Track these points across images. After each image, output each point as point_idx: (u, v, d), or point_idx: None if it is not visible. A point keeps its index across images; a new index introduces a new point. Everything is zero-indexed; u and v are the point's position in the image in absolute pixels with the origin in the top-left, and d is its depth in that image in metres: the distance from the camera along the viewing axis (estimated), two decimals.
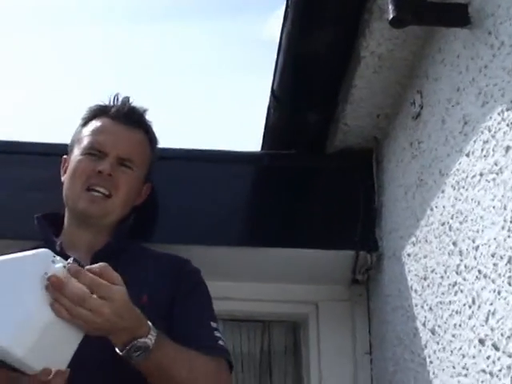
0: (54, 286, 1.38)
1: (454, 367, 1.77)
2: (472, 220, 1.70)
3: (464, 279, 1.73)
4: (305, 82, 2.30)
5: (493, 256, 1.58)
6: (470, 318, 1.68)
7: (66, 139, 2.06)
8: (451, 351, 1.79)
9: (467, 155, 1.74)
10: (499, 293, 1.54)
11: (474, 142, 1.70)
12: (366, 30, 2.04)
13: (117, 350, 1.52)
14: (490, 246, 1.60)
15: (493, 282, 1.57)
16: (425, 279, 2.00)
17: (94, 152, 1.90)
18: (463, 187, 1.76)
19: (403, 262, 2.17)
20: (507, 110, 1.55)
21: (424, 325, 1.99)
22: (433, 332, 1.92)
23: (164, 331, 1.59)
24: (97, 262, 1.50)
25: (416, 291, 2.06)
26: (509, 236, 1.51)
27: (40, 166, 2.32)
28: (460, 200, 1.78)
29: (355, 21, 2.07)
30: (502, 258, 1.54)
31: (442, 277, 1.87)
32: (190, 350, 1.64)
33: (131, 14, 5.29)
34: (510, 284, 1.50)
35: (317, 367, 2.49)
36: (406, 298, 2.14)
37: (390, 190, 2.33)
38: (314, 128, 2.43)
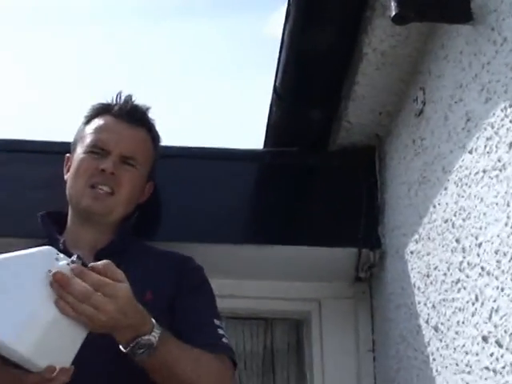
0: (58, 283, 1.38)
1: (457, 364, 1.76)
2: (475, 217, 1.69)
3: (467, 276, 1.72)
4: (307, 79, 2.30)
5: (496, 253, 1.57)
6: (473, 315, 1.68)
7: (68, 137, 2.07)
8: (454, 348, 1.79)
9: (470, 152, 1.74)
10: (502, 290, 1.54)
11: (477, 138, 1.70)
12: (369, 27, 2.03)
13: (121, 347, 1.52)
14: (493, 243, 1.59)
15: (496, 278, 1.57)
16: (428, 276, 1.99)
17: (96, 150, 1.90)
18: (466, 184, 1.76)
19: (406, 259, 2.16)
20: (510, 106, 1.55)
21: (427, 322, 1.98)
22: (436, 329, 1.92)
23: (167, 329, 1.59)
24: (100, 260, 1.49)
25: (419, 288, 2.06)
26: None
27: (43, 164, 2.32)
28: (463, 197, 1.77)
29: (357, 18, 2.06)
30: (505, 254, 1.53)
31: (445, 274, 1.87)
32: (193, 348, 1.63)
33: (135, 13, 5.29)
34: None
35: (320, 365, 2.48)
36: (408, 295, 2.13)
37: (393, 188, 2.33)
38: (316, 125, 2.42)
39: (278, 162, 2.50)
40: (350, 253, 2.39)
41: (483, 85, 1.68)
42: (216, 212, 2.36)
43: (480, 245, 1.66)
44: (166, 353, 1.55)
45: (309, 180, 2.49)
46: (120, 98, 1.99)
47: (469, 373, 1.69)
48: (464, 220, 1.76)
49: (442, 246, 1.89)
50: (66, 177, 1.97)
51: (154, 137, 2.02)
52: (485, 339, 1.61)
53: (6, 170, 2.34)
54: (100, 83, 4.99)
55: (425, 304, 2.01)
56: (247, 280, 2.46)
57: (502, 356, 1.53)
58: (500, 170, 1.58)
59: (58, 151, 2.12)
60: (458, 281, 1.78)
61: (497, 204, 1.58)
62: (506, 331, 1.51)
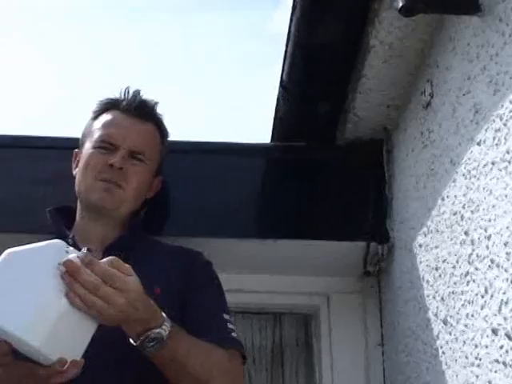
0: (68, 271, 1.38)
1: (466, 357, 1.76)
2: (484, 209, 1.69)
3: (476, 269, 1.72)
4: (313, 72, 2.29)
5: (505, 245, 1.56)
6: (482, 307, 1.67)
7: (76, 133, 2.07)
8: (464, 341, 1.78)
9: (478, 144, 1.73)
10: None
11: (486, 130, 1.69)
12: (375, 19, 2.02)
13: (131, 340, 1.52)
14: (502, 235, 1.58)
15: (505, 271, 1.56)
16: (436, 269, 1.99)
17: (105, 145, 1.90)
18: (475, 176, 1.75)
19: (415, 252, 2.16)
20: None
21: (436, 315, 1.98)
22: (445, 322, 1.91)
23: (177, 323, 1.59)
24: (109, 255, 1.49)
25: (428, 282, 2.05)
26: None
27: (49, 159, 2.32)
28: (471, 189, 1.76)
29: (364, 10, 2.05)
30: None
31: (453, 267, 1.86)
32: (204, 342, 1.63)
33: (138, 9, 5.29)
34: None
35: (329, 359, 2.48)
36: (417, 288, 2.13)
37: (401, 180, 2.32)
38: (323, 119, 2.41)
39: (286, 156, 2.49)
40: (358, 247, 2.39)
41: (491, 76, 1.67)
42: (224, 206, 2.36)
43: (489, 237, 1.65)
44: (176, 347, 1.55)
45: (316, 174, 2.48)
46: (128, 93, 1.99)
47: (478, 366, 1.69)
48: (473, 212, 1.75)
49: (451, 239, 1.88)
50: (74, 172, 1.97)
51: (162, 132, 2.02)
52: (494, 332, 1.60)
53: (13, 166, 2.35)
54: (108, 77, 5.02)
55: (434, 297, 2.00)
56: (255, 275, 2.46)
57: (511, 348, 1.52)
58: (509, 162, 1.57)
59: (65, 147, 2.12)
60: (467, 273, 1.77)
61: (506, 196, 1.58)
62: None
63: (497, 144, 1.63)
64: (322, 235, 2.37)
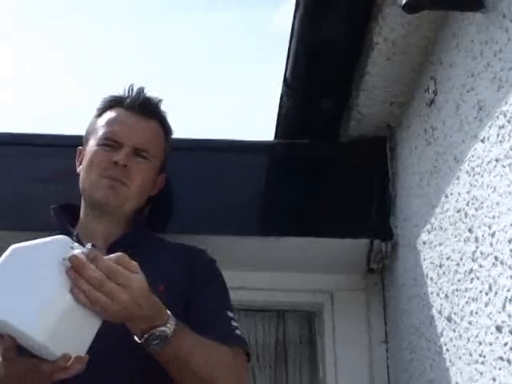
0: (73, 266, 1.38)
1: (470, 355, 1.75)
2: (488, 206, 1.68)
3: (480, 266, 1.71)
4: (317, 69, 2.28)
5: (509, 242, 1.56)
6: (486, 304, 1.67)
7: (79, 131, 2.07)
8: (468, 339, 1.78)
9: (482, 141, 1.72)
10: None
11: (490, 127, 1.68)
12: (379, 16, 2.02)
13: (135, 338, 1.52)
14: (506, 232, 1.58)
15: (509, 268, 1.55)
16: (440, 267, 1.98)
17: (109, 143, 1.90)
18: (478, 173, 1.74)
19: (418, 249, 2.15)
20: None
21: (440, 313, 1.97)
22: (449, 320, 1.91)
23: (181, 321, 1.59)
24: (113, 253, 1.49)
25: (431, 279, 2.05)
26: None
27: (52, 157, 2.32)
28: (475, 186, 1.76)
29: (368, 6, 2.05)
30: None
31: (457, 264, 1.86)
32: (208, 340, 1.63)
33: (143, 8, 5.29)
34: None
35: (332, 356, 2.48)
36: (421, 286, 2.12)
37: (405, 178, 2.32)
38: (326, 116, 2.41)
39: (289, 154, 2.49)
40: (361, 244, 2.38)
41: (495, 73, 1.67)
42: (228, 204, 2.36)
43: (493, 234, 1.64)
44: (181, 344, 1.55)
45: (320, 171, 2.48)
46: (132, 90, 1.99)
47: (482, 363, 1.68)
48: (477, 209, 1.75)
49: (455, 236, 1.88)
50: (78, 169, 1.97)
51: (166, 129, 2.02)
52: (498, 329, 1.60)
53: (13, 164, 2.35)
54: (112, 75, 5.02)
55: (437, 294, 2.00)
56: (259, 272, 2.46)
57: None
58: None
59: (68, 144, 2.12)
60: (471, 271, 1.76)
61: (510, 193, 1.57)
62: None
63: (501, 141, 1.63)
64: (325, 232, 2.37)
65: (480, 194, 1.73)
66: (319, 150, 2.49)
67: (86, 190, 1.89)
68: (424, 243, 2.11)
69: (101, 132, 1.92)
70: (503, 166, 1.61)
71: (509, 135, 1.59)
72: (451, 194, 1.92)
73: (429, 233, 2.07)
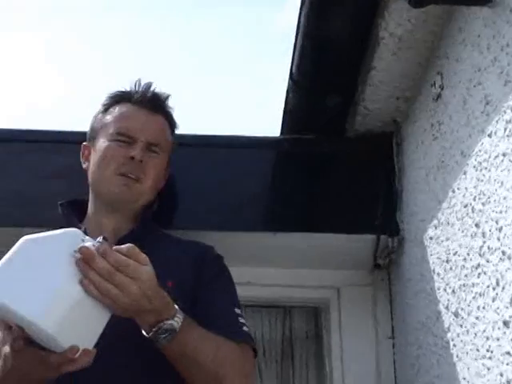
0: (84, 257, 1.38)
1: (477, 350, 1.75)
2: (495, 201, 1.68)
3: (487, 261, 1.71)
4: (323, 65, 2.28)
5: None
6: (493, 300, 1.67)
7: (83, 127, 2.06)
8: (475, 334, 1.77)
9: (489, 135, 1.72)
10: None
11: (497, 122, 1.68)
12: (385, 11, 2.01)
13: (143, 332, 1.52)
14: None
15: None
16: (447, 262, 1.98)
17: (122, 138, 1.89)
18: (485, 168, 1.74)
19: (425, 245, 2.15)
20: None
21: (447, 308, 1.97)
22: (456, 315, 1.90)
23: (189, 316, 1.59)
24: None
25: (438, 274, 2.05)
26: None
27: (57, 154, 2.33)
28: (482, 181, 1.76)
29: (374, 1, 2.04)
30: None
31: (464, 259, 1.86)
32: (215, 335, 1.63)
33: (149, 6, 5.30)
34: None
35: (339, 352, 2.48)
36: (428, 281, 2.12)
37: (411, 173, 2.32)
38: (333, 111, 2.41)
39: (295, 149, 2.49)
40: (368, 239, 2.38)
41: (502, 67, 1.66)
42: (233, 200, 2.36)
43: (500, 229, 1.64)
44: (188, 338, 1.55)
45: (326, 167, 2.48)
46: (140, 85, 1.98)
47: (490, 358, 1.68)
48: (484, 204, 1.74)
49: (462, 231, 1.88)
50: (84, 166, 1.96)
51: (172, 124, 2.02)
52: (506, 324, 1.59)
53: (21, 160, 2.35)
54: (118, 71, 5.02)
55: (444, 290, 1.99)
56: (265, 268, 2.46)
57: None
58: None
59: (73, 141, 2.12)
60: (478, 266, 1.76)
61: None
62: None
63: (508, 135, 1.62)
64: (331, 228, 2.37)
65: (487, 188, 1.72)
66: (325, 146, 2.48)
67: (100, 185, 1.89)
68: (431, 238, 2.11)
69: (112, 127, 1.91)
70: (510, 161, 1.60)
71: None
72: (458, 188, 1.91)
73: (435, 228, 2.07)
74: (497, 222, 1.66)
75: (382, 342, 2.46)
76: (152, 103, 1.95)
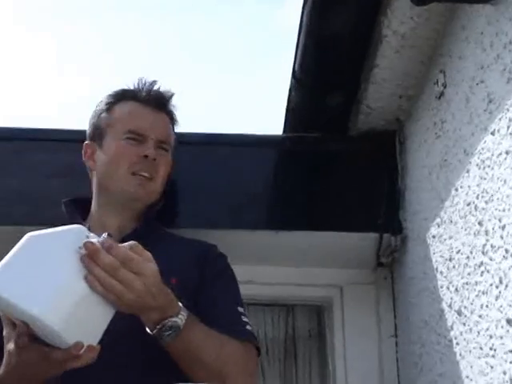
0: (89, 253, 1.38)
1: (481, 348, 1.75)
2: (498, 199, 1.67)
3: (490, 259, 1.71)
4: (326, 63, 2.28)
5: None
6: (497, 298, 1.66)
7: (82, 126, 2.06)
8: (478, 332, 1.77)
9: (492, 133, 1.72)
10: None
11: (500, 119, 1.68)
12: (388, 9, 2.01)
13: (147, 329, 1.52)
14: None
15: None
16: (450, 260, 1.98)
17: (133, 136, 1.89)
18: (488, 166, 1.74)
19: (428, 243, 2.15)
20: None
21: (450, 306, 1.97)
22: (459, 313, 1.90)
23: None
24: None
25: (441, 273, 2.04)
26: None
27: (59, 152, 2.33)
28: (485, 179, 1.75)
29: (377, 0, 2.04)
30: None
31: (467, 257, 1.85)
32: (219, 334, 1.63)
33: (149, 6, 5.30)
34: None
35: (342, 351, 2.48)
36: (431, 279, 2.12)
37: (414, 171, 2.31)
38: (335, 110, 2.41)
39: (298, 148, 2.49)
40: (371, 238, 2.38)
41: (505, 65, 1.66)
42: (235, 198, 2.35)
43: (503, 227, 1.64)
44: (192, 336, 1.55)
45: (329, 165, 2.48)
46: (144, 83, 1.98)
47: (493, 356, 1.68)
48: (487, 202, 1.74)
49: (465, 230, 1.87)
50: (88, 164, 1.95)
51: (174, 122, 2.02)
52: (509, 322, 1.59)
53: (23, 159, 2.35)
54: (121, 69, 5.03)
55: (447, 288, 1.99)
56: (268, 266, 2.46)
57: None
58: None
59: (75, 139, 2.11)
60: (481, 264, 1.76)
61: None
62: None
63: (511, 133, 1.62)
64: (334, 227, 2.37)
65: (490, 186, 1.72)
66: (328, 144, 2.48)
67: (110, 184, 1.87)
68: (434, 237, 2.11)
69: (122, 126, 1.90)
70: None
71: None
72: (461, 187, 1.91)
73: (438, 226, 2.07)
74: (500, 220, 1.66)
75: (384, 340, 2.46)
76: (157, 101, 1.95)
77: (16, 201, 2.28)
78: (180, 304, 1.53)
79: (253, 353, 1.72)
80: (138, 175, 1.85)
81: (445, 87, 2.06)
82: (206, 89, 5.31)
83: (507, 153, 1.63)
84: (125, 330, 1.51)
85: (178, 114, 2.05)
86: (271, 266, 2.46)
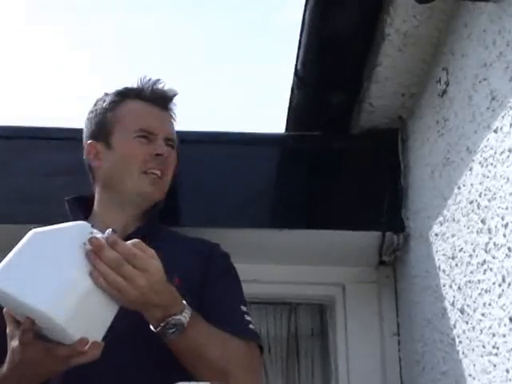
0: (93, 247, 1.39)
1: (483, 346, 1.75)
2: (501, 197, 1.67)
3: (493, 257, 1.70)
4: (328, 61, 2.28)
5: None
6: (499, 296, 1.66)
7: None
8: (481, 330, 1.77)
9: (495, 131, 1.71)
10: None
11: (502, 117, 1.67)
12: (390, 7, 2.01)
13: (151, 327, 1.52)
14: None
15: None
16: (453, 258, 1.97)
17: (144, 134, 1.89)
18: (491, 164, 1.73)
19: (430, 241, 2.15)
20: None
21: (453, 305, 1.97)
22: (462, 312, 1.90)
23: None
24: None
25: (444, 271, 2.04)
26: None
27: (62, 151, 2.33)
28: (488, 177, 1.75)
29: None
30: None
31: (470, 255, 1.85)
32: (223, 332, 1.63)
33: (150, 6, 5.31)
34: None
35: (344, 349, 2.48)
36: (433, 278, 2.12)
37: (417, 170, 2.31)
38: (338, 108, 2.41)
39: (300, 146, 2.49)
40: (373, 236, 2.38)
41: (508, 63, 1.66)
42: (238, 197, 2.35)
43: (506, 225, 1.64)
44: (196, 334, 1.55)
45: (331, 163, 2.48)
46: (148, 82, 1.98)
47: (496, 355, 1.68)
48: (489, 201, 1.74)
49: (468, 228, 1.87)
50: (94, 164, 1.93)
51: (175, 120, 2.03)
52: None
53: (24, 158, 2.35)
54: (125, 67, 5.03)
55: (450, 286, 1.99)
56: (271, 265, 2.46)
57: None
58: None
59: (76, 138, 2.11)
60: (484, 262, 1.76)
61: None
62: None
63: None
64: (337, 225, 2.36)
65: (493, 184, 1.72)
66: (330, 143, 2.48)
67: (121, 183, 1.87)
68: (436, 235, 2.10)
69: (131, 124, 1.90)
70: None
71: None
72: (464, 185, 1.91)
73: (441, 224, 2.06)
74: (503, 219, 1.65)
75: (387, 339, 2.46)
76: (163, 100, 1.95)
77: (18, 199, 2.28)
78: (184, 302, 1.53)
79: (256, 351, 1.72)
80: (151, 173, 1.86)
81: (447, 85, 2.05)
82: (207, 87, 5.32)
83: (510, 151, 1.63)
84: (129, 327, 1.51)
85: (181, 112, 2.06)
86: (274, 264, 2.46)
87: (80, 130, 2.20)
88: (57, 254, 1.39)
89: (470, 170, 1.86)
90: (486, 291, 1.75)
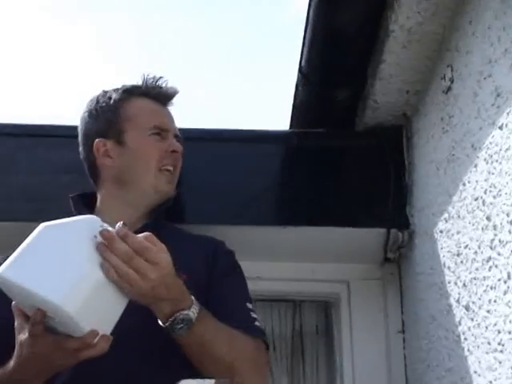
0: (104, 239, 1.39)
1: (489, 343, 1.75)
2: (506, 194, 1.67)
3: (498, 254, 1.70)
4: (333, 58, 2.28)
5: None
6: (505, 293, 1.66)
7: None
8: (486, 327, 1.77)
9: (500, 128, 1.71)
10: None
11: (508, 114, 1.67)
12: (395, 4, 2.01)
13: (159, 322, 1.52)
14: None
15: None
16: (458, 255, 1.97)
17: (158, 131, 1.91)
18: (496, 161, 1.73)
19: (435, 238, 2.14)
20: None
21: (458, 301, 1.96)
22: (467, 308, 1.90)
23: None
24: None
25: (449, 268, 2.04)
26: None
27: (67, 148, 2.31)
28: (493, 174, 1.75)
29: None
30: None
31: (475, 252, 1.85)
32: (230, 328, 1.64)
33: (152, 5, 5.31)
34: None
35: (349, 346, 2.48)
36: (438, 275, 2.11)
37: (421, 167, 2.31)
38: (342, 105, 2.41)
39: (305, 143, 2.48)
40: (378, 233, 2.38)
41: None
42: (243, 194, 2.35)
43: (511, 222, 1.63)
44: (204, 330, 1.55)
45: (336, 160, 2.47)
46: (153, 79, 1.98)
47: (501, 351, 1.67)
48: (495, 197, 1.73)
49: (473, 224, 1.87)
50: (104, 162, 1.92)
51: None
52: None
53: (30, 155, 2.35)
54: (129, 63, 5.03)
55: (455, 283, 1.99)
56: (275, 262, 2.46)
57: None
58: None
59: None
60: (489, 259, 1.75)
61: None
62: None
63: None
64: (341, 222, 2.36)
65: (498, 181, 1.72)
66: (335, 140, 2.48)
67: (139, 181, 1.87)
68: (441, 232, 2.10)
69: (144, 122, 1.90)
70: None
71: None
72: (469, 181, 1.90)
73: (446, 221, 2.06)
74: (508, 215, 1.65)
75: (392, 336, 2.45)
76: (167, 97, 1.98)
77: (20, 197, 2.28)
78: (192, 297, 1.54)
79: (262, 348, 1.73)
80: (165, 170, 1.88)
81: (452, 82, 2.05)
82: (212, 84, 5.31)
83: None
84: (135, 325, 1.52)
85: (184, 109, 2.08)
86: (278, 261, 2.46)
87: None
88: (68, 246, 1.40)
89: (475, 166, 1.86)
90: (491, 288, 1.74)
